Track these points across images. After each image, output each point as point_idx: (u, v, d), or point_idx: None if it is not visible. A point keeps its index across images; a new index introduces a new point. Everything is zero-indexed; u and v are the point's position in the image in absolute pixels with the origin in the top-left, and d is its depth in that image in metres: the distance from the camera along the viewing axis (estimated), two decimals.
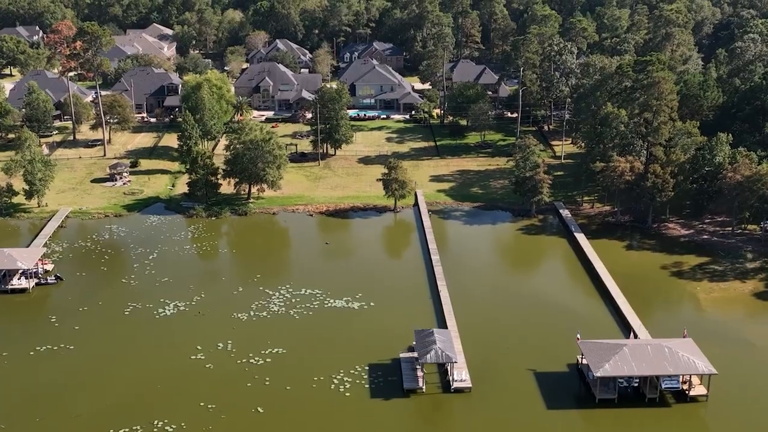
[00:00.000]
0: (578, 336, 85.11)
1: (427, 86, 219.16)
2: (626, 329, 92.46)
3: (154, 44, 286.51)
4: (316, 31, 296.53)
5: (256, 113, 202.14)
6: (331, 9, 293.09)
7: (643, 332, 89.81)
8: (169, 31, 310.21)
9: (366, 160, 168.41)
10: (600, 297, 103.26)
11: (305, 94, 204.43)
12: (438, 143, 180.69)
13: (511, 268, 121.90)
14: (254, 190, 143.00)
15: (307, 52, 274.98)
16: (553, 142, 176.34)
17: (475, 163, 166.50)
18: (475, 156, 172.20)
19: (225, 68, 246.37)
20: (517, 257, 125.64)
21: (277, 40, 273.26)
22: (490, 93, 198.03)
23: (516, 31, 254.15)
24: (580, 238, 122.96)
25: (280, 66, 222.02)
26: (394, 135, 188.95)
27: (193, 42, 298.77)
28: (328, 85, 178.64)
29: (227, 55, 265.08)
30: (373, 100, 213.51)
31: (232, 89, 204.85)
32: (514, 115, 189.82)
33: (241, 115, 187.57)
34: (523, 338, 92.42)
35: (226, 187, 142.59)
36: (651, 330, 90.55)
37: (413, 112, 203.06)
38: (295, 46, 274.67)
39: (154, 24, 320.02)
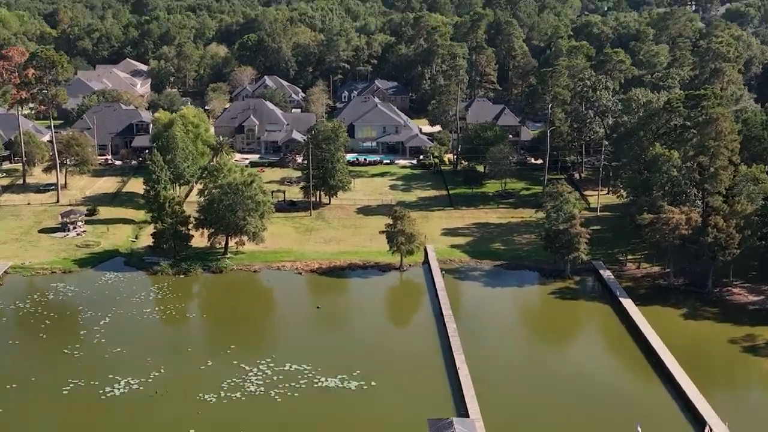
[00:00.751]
0: (639, 429, 73.92)
1: (436, 129, 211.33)
2: (695, 419, 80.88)
3: (125, 80, 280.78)
4: (311, 69, 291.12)
5: (238, 156, 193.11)
6: (328, 44, 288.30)
7: (719, 426, 78.07)
8: (144, 67, 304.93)
9: (366, 210, 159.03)
10: (658, 377, 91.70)
11: (296, 135, 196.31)
12: (451, 192, 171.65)
13: (545, 340, 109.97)
14: (232, 243, 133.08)
15: (299, 90, 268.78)
16: (587, 192, 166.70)
17: (495, 215, 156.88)
18: (494, 207, 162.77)
19: (206, 107, 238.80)
20: (551, 327, 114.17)
21: (266, 77, 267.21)
22: (510, 136, 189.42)
23: (537, 69, 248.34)
24: (627, 304, 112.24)
25: (268, 103, 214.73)
26: (400, 182, 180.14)
27: (171, 79, 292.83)
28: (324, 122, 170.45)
29: (208, 92, 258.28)
30: (374, 143, 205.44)
31: (212, 128, 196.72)
32: (539, 161, 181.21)
33: (220, 158, 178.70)
34: (564, 430, 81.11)
35: (199, 239, 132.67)
36: (731, 424, 78.92)
37: (421, 157, 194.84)
38: (285, 83, 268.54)
39: (128, 59, 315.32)
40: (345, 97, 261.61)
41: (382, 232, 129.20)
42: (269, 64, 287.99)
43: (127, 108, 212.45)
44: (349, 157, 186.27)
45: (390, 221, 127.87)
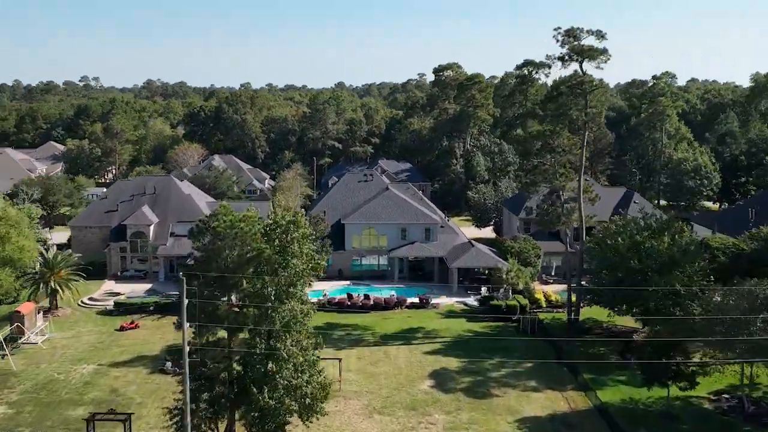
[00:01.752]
0: None
1: (485, 233, 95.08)
2: None
3: (21, 164, 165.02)
4: (289, 151, 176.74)
5: (104, 288, 76.28)
6: (312, 116, 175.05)
7: None
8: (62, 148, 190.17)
9: None
10: None
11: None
12: (602, 399, 52.83)
13: None
14: None
15: (266, 177, 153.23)
16: None
17: None
18: None
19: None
20: None
21: (215, 156, 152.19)
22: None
23: (620, 141, 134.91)
24: None
25: (181, 184, 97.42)
26: (451, 361, 60.61)
27: (95, 163, 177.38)
28: (251, 208, 50.61)
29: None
30: (384, 259, 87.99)
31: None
32: None
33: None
34: None
35: None
36: None
37: (487, 291, 77.56)
38: (246, 166, 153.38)
39: (51, 142, 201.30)
40: (333, 185, 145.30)
41: None
42: (231, 145, 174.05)
43: None
44: (333, 291, 72.30)
45: None
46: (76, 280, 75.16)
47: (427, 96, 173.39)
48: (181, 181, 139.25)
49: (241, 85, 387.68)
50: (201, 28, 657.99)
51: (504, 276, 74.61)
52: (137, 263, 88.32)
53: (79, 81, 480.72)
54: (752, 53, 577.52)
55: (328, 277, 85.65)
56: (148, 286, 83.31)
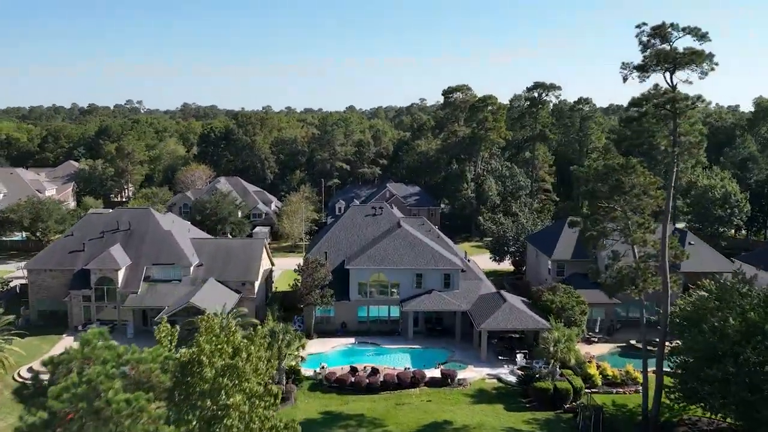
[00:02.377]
0: None
1: (503, 266, 70.96)
2: None
3: (31, 184, 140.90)
4: (299, 171, 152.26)
5: (60, 346, 51.68)
6: (320, 138, 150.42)
7: None
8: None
9: None
10: None
11: (209, 295, 55.73)
12: None
13: None
14: None
15: (273, 200, 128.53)
16: None
17: None
18: None
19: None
20: None
21: (221, 178, 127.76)
22: None
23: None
24: None
25: (161, 217, 72.48)
26: None
27: (107, 182, 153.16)
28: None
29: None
30: (396, 308, 63.16)
31: None
32: None
33: None
34: None
35: None
36: None
37: (524, 358, 52.95)
38: (252, 188, 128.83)
39: (70, 161, 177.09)
40: (340, 209, 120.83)
41: None
42: (241, 166, 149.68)
43: None
44: (336, 351, 49.58)
45: None
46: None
47: (436, 118, 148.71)
48: (182, 206, 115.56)
49: (263, 108, 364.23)
50: (236, 57, 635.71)
51: (551, 348, 49.70)
52: (105, 313, 63.81)
53: (125, 104, 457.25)
54: (752, 76, 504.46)
55: (330, 333, 61.30)
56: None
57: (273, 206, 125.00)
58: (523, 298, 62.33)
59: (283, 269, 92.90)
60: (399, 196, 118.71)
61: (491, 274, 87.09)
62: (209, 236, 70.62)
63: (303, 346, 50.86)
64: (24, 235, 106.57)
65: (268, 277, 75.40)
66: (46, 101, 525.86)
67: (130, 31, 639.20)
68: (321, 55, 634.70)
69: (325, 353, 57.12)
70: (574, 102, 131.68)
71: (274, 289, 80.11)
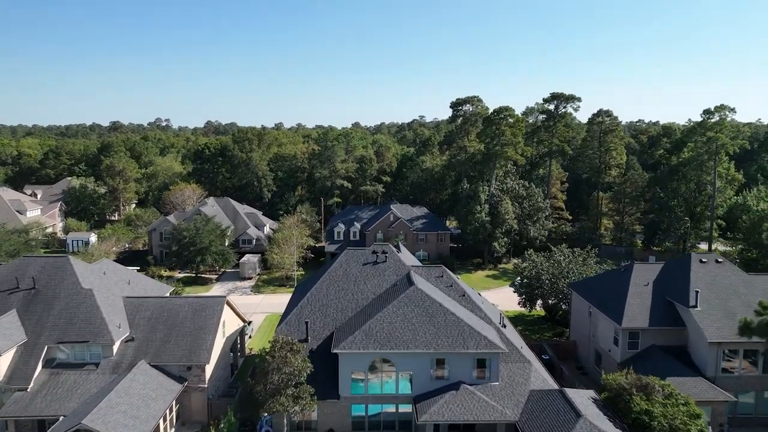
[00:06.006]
0: None
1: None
2: None
3: (12, 204, 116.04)
4: (300, 188, 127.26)
5: None
6: (320, 154, 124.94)
7: None
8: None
9: None
10: None
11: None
12: None
13: None
14: None
15: (265, 223, 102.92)
16: None
17: None
18: None
19: None
20: None
21: (211, 198, 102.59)
22: None
23: (661, 184, 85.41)
24: None
25: (77, 268, 46.73)
26: None
27: (101, 200, 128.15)
28: None
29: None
30: (406, 407, 37.90)
31: None
32: None
33: None
34: None
35: None
36: None
37: None
38: (244, 210, 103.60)
39: (68, 178, 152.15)
40: (339, 234, 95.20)
41: None
42: (238, 183, 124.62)
43: None
44: None
45: None
46: None
47: (446, 132, 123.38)
48: (163, 232, 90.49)
49: (275, 125, 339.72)
50: (264, 81, 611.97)
51: None
52: None
53: (153, 122, 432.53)
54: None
55: None
56: None
57: (267, 229, 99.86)
58: (593, 395, 36.97)
59: (269, 312, 67.88)
60: (404, 220, 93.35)
61: (518, 321, 61.83)
62: (151, 296, 45.36)
63: None
64: None
65: (236, 342, 50.14)
66: (90, 119, 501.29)
67: (152, 58, 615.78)
68: (334, 73, 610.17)
69: None
70: (593, 114, 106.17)
71: (248, 351, 54.86)
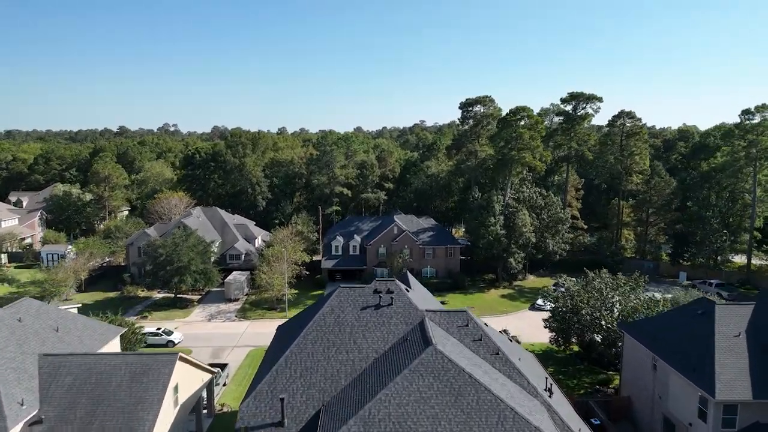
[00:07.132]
0: None
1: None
2: None
3: None
4: (298, 195, 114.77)
5: None
6: (319, 159, 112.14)
7: None
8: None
9: None
10: None
11: None
12: None
13: None
14: None
15: (257, 236, 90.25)
16: None
17: None
18: None
19: None
20: None
21: (197, 208, 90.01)
22: None
23: (690, 191, 72.33)
24: None
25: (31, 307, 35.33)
26: None
27: (87, 208, 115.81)
28: None
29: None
30: None
31: None
32: None
33: None
34: None
35: None
36: None
37: None
38: (233, 221, 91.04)
39: (58, 183, 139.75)
40: (338, 248, 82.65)
41: None
42: (231, 191, 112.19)
43: None
44: None
45: None
46: None
47: (457, 134, 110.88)
48: (141, 247, 77.97)
49: (279, 130, 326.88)
50: (280, 90, 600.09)
51: None
52: None
53: (161, 128, 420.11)
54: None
55: None
56: None
57: (259, 241, 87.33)
58: None
59: (253, 346, 55.47)
60: (409, 233, 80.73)
61: (547, 358, 49.20)
62: (77, 354, 32.66)
63: None
64: None
65: (200, 400, 37.47)
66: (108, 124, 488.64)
67: (162, 61, 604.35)
68: (338, 76, 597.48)
69: None
70: (614, 116, 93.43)
71: (218, 409, 42.19)
